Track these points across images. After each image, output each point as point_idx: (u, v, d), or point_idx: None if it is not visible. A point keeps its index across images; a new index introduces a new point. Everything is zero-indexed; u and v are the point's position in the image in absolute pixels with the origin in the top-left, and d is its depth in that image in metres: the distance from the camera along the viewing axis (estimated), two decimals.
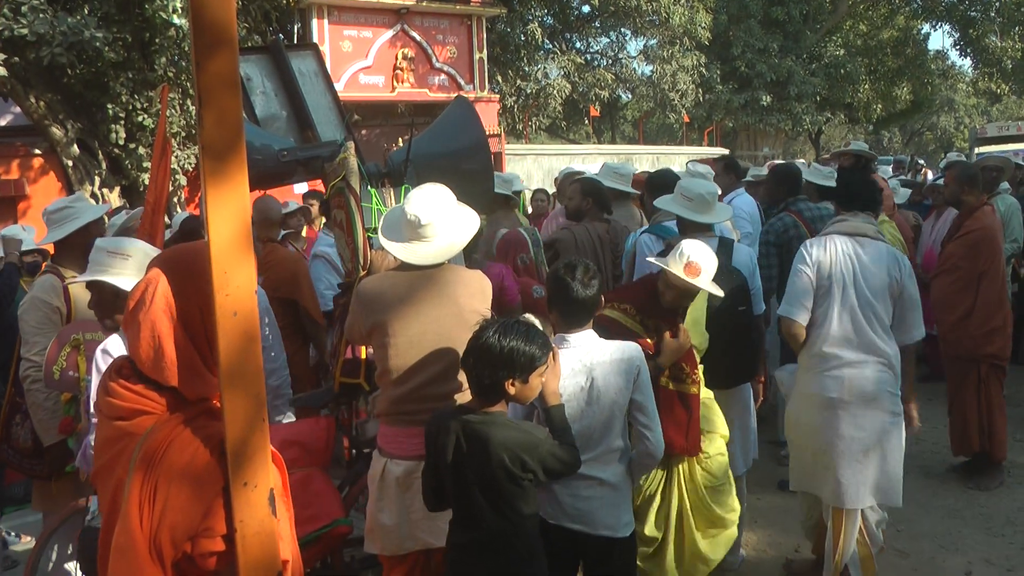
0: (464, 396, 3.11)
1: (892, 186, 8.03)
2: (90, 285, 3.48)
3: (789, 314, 3.98)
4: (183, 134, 12.81)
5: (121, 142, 12.20)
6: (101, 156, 12.57)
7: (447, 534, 2.86)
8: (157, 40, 11.76)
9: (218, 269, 1.69)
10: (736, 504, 3.79)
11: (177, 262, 1.87)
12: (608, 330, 3.37)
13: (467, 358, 2.71)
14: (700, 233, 4.26)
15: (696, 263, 3.50)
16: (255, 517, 1.77)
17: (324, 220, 6.72)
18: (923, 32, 32.78)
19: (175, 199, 13.04)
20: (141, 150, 12.37)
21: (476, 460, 2.64)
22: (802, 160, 21.11)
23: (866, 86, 30.02)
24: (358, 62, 17.15)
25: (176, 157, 12.69)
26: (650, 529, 3.66)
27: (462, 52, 18.57)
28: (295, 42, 16.07)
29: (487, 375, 2.64)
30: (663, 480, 3.68)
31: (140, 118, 12.15)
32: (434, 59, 18.16)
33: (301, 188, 11.90)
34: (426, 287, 3.20)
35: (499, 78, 21.41)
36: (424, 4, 17.75)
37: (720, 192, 5.58)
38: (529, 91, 22.56)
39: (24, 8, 10.40)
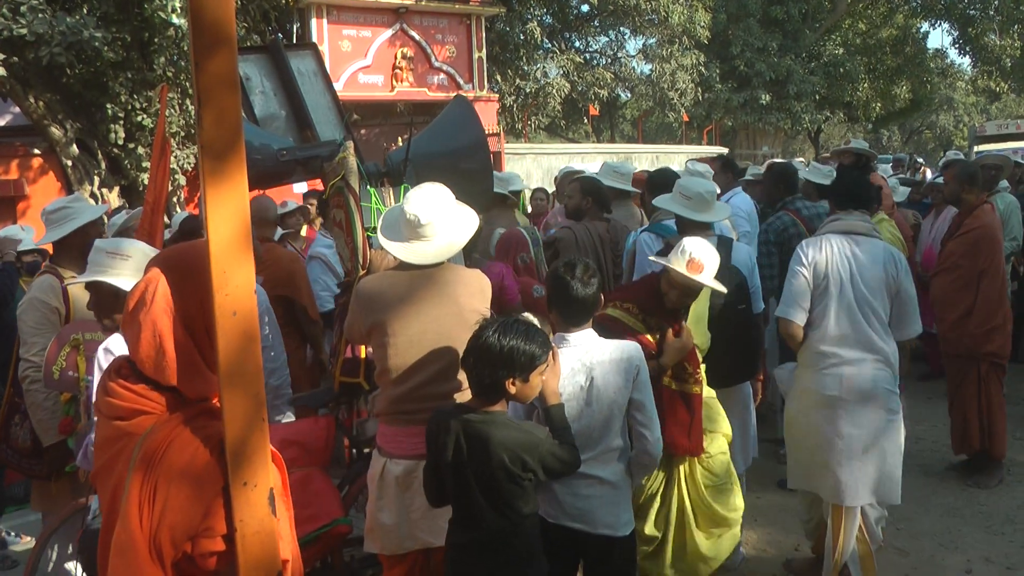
0: (464, 395, 3.11)
1: (891, 185, 8.04)
2: (89, 285, 3.48)
3: (786, 315, 4.01)
4: (182, 134, 12.81)
5: (120, 142, 12.21)
6: (100, 156, 12.57)
7: (447, 533, 2.87)
8: (156, 40, 11.76)
9: (217, 269, 1.69)
10: (739, 503, 3.78)
11: (177, 261, 1.87)
12: (610, 329, 3.37)
13: (467, 357, 2.71)
14: (699, 232, 4.26)
15: (699, 260, 3.50)
16: (255, 517, 1.77)
17: (321, 221, 6.71)
18: (922, 31, 32.74)
19: (174, 199, 13.05)
20: (140, 150, 12.38)
21: (476, 460, 2.64)
22: (801, 159, 21.11)
23: (865, 85, 29.99)
24: (357, 61, 17.14)
25: (175, 157, 12.69)
26: (650, 528, 3.65)
27: (461, 51, 18.56)
28: (294, 42, 16.08)
29: (487, 374, 2.64)
30: (664, 479, 3.68)
31: (139, 118, 12.16)
32: (433, 58, 18.16)
33: (300, 188, 11.90)
34: (426, 286, 3.20)
35: (498, 77, 21.40)
36: (423, 3, 17.74)
37: (718, 191, 5.59)
38: (528, 90, 22.55)
39: (23, 8, 10.41)
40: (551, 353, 2.76)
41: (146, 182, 9.20)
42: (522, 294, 4.86)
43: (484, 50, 18.90)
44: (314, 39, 15.92)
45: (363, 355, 3.91)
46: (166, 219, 6.52)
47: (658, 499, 3.67)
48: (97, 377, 3.19)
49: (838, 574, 3.97)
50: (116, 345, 3.22)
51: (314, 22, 16.46)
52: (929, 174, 14.30)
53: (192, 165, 13.11)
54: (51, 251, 4.64)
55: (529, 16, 22.24)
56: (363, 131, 17.56)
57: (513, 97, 22.39)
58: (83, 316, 4.01)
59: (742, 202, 6.54)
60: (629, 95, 30.19)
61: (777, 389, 4.95)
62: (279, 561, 1.82)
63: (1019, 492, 5.39)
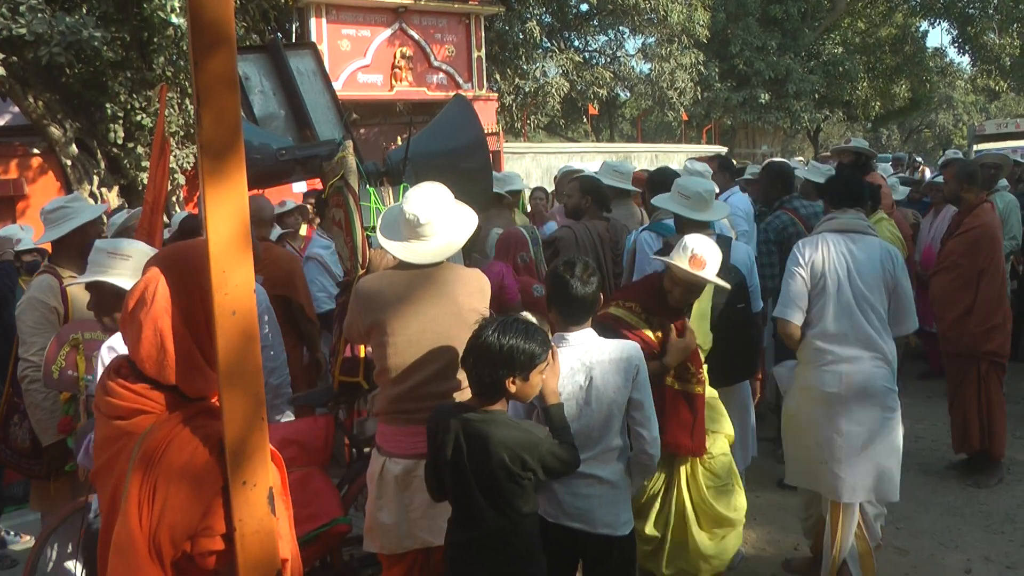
0: (463, 395, 3.11)
1: (891, 184, 8.04)
2: (90, 286, 3.48)
3: (784, 315, 4.03)
4: (181, 133, 12.80)
5: (120, 141, 12.20)
6: (100, 155, 12.57)
7: (446, 532, 2.87)
8: (155, 39, 11.75)
9: (216, 268, 1.69)
10: (742, 503, 3.78)
11: (176, 260, 1.87)
12: (612, 328, 3.38)
13: (467, 357, 2.71)
14: (698, 231, 4.26)
15: (701, 256, 3.50)
16: (254, 516, 1.77)
17: (319, 221, 6.70)
18: (921, 29, 32.76)
19: (174, 198, 13.04)
20: (140, 149, 12.37)
21: (476, 459, 2.64)
22: (800, 158, 21.13)
23: (864, 84, 30.00)
24: (356, 61, 17.13)
25: (175, 156, 12.68)
26: (650, 528, 3.65)
27: (460, 51, 18.54)
28: (293, 41, 16.05)
29: (487, 374, 2.64)
30: (666, 480, 3.68)
31: (138, 117, 12.14)
32: (432, 58, 18.14)
33: (300, 187, 11.91)
34: (425, 286, 3.20)
35: (497, 77, 21.39)
36: (422, 3, 17.72)
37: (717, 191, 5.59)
38: (527, 89, 22.53)
39: (22, 8, 10.40)
40: (551, 352, 2.76)
41: (145, 181, 9.20)
42: (522, 293, 4.86)
43: (483, 49, 18.88)
44: (313, 38, 15.91)
45: (362, 354, 3.91)
46: (165, 218, 6.52)
47: (659, 499, 3.67)
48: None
49: (837, 572, 3.97)
50: (119, 343, 3.22)
51: (313, 21, 16.45)
52: (928, 173, 14.31)
53: (191, 164, 13.10)
54: (50, 251, 4.64)
55: (528, 15, 22.21)
56: (362, 130, 17.54)
57: (512, 96, 22.37)
58: (82, 316, 4.01)
59: (740, 201, 6.55)
60: (628, 94, 30.21)
61: (775, 388, 4.95)
62: (278, 560, 1.83)
63: (1019, 491, 5.40)
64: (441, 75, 18.32)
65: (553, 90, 22.18)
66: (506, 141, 20.10)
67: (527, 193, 8.50)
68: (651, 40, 25.25)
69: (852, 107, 31.27)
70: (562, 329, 3.09)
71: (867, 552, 3.99)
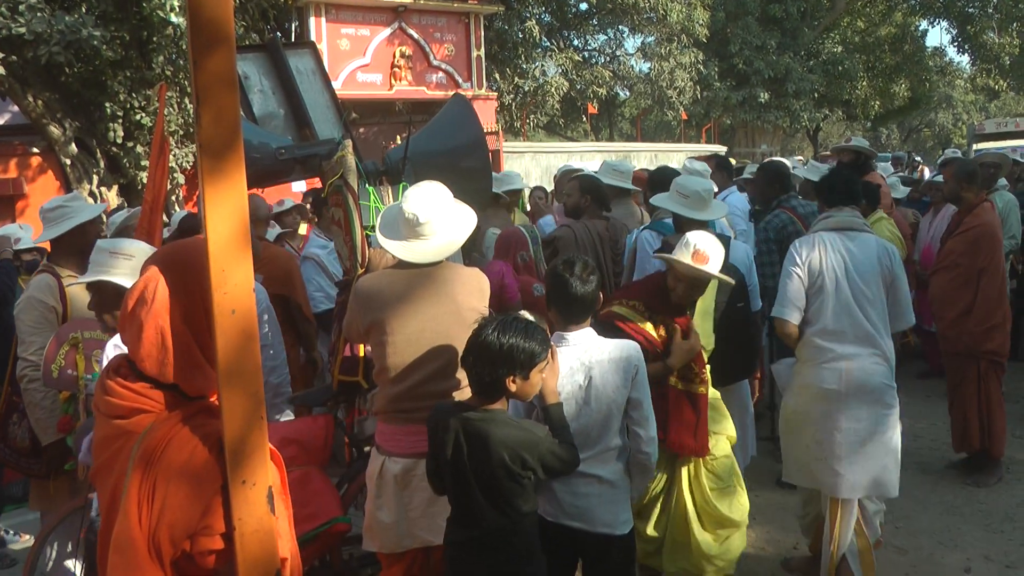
0: (462, 394, 3.11)
1: (892, 183, 8.06)
2: (92, 285, 3.49)
3: (782, 315, 4.04)
4: (181, 132, 12.79)
5: (119, 141, 12.19)
6: (99, 155, 12.55)
7: (445, 532, 2.87)
8: (155, 39, 11.74)
9: (216, 267, 1.69)
10: (744, 504, 3.77)
11: (174, 258, 1.87)
12: (615, 326, 3.38)
13: (467, 356, 2.71)
14: (698, 230, 4.26)
15: (704, 251, 3.50)
16: (254, 515, 1.77)
17: (316, 220, 6.70)
18: (921, 29, 32.76)
19: (173, 197, 13.03)
20: (139, 148, 12.36)
21: (476, 458, 2.64)
22: (799, 157, 21.12)
23: (864, 83, 30.01)
24: (356, 60, 17.11)
25: (174, 155, 12.67)
26: (651, 529, 3.65)
27: (460, 50, 18.53)
28: (293, 40, 16.04)
29: (487, 373, 2.64)
30: (668, 480, 3.67)
31: (138, 116, 12.13)
32: (432, 57, 18.13)
33: (299, 186, 11.91)
34: (424, 285, 3.20)
35: (497, 76, 21.37)
36: (422, 2, 17.71)
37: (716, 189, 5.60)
38: (527, 89, 22.52)
39: (22, 7, 10.39)
40: (550, 351, 2.76)
41: (145, 181, 9.21)
42: (522, 293, 4.86)
43: (483, 49, 18.87)
44: (312, 37, 15.90)
45: (362, 353, 3.91)
46: (165, 218, 6.52)
47: (661, 501, 3.67)
48: None
49: (836, 569, 3.98)
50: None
51: (312, 20, 16.43)
52: (927, 172, 14.32)
53: (191, 164, 13.09)
54: (49, 250, 4.64)
55: (528, 14, 22.19)
56: (361, 129, 17.53)
57: (512, 95, 22.35)
58: (81, 315, 4.01)
59: (737, 201, 6.57)
60: (628, 93, 30.21)
61: (773, 387, 4.96)
62: (278, 559, 1.83)
63: (1018, 490, 5.40)
64: (440, 74, 18.30)
65: (552, 89, 22.16)
66: (505, 140, 20.10)
67: (527, 192, 8.49)
68: (650, 39, 25.26)
69: (851, 106, 31.28)
70: (561, 328, 3.09)
71: (867, 548, 3.99)
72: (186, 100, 12.60)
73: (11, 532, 5.40)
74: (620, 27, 25.64)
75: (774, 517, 5.07)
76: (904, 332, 4.84)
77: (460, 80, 18.39)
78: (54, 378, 3.74)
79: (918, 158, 20.42)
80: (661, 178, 5.30)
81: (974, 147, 17.88)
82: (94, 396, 1.95)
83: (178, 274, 1.83)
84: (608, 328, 3.30)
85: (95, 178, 12.45)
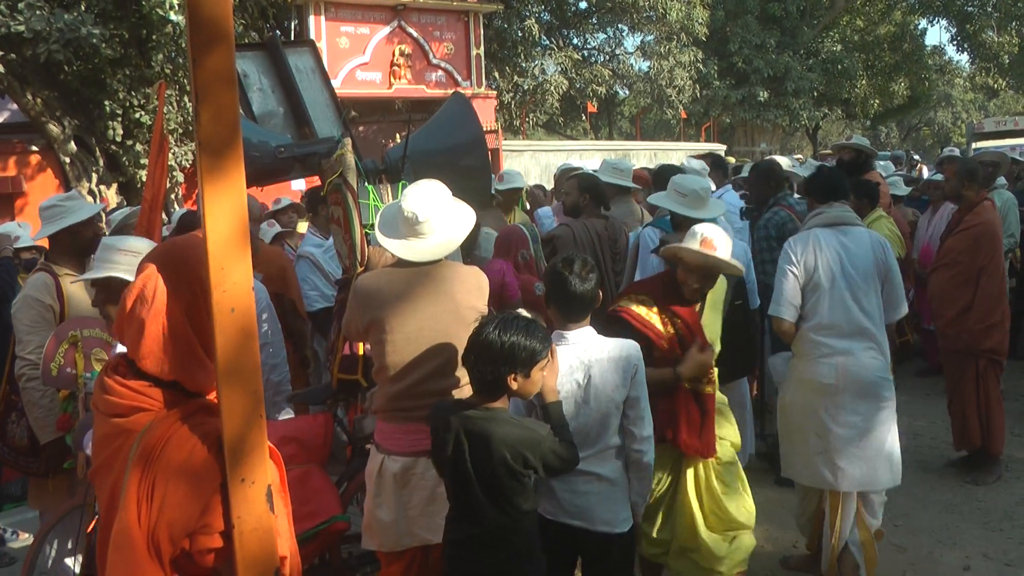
0: (461, 392, 3.11)
1: (893, 181, 8.06)
2: (98, 281, 3.49)
3: (778, 313, 4.06)
4: (180, 131, 12.78)
5: (118, 139, 12.18)
6: (98, 153, 12.54)
7: (445, 530, 2.87)
8: (154, 37, 11.73)
9: (215, 265, 1.69)
10: (750, 506, 3.74)
11: (171, 256, 1.87)
12: (624, 323, 3.37)
13: (468, 355, 2.71)
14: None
15: (711, 239, 3.49)
16: (253, 513, 1.77)
17: (311, 217, 6.70)
18: (920, 27, 32.77)
19: (172, 196, 13.03)
20: (138, 147, 12.35)
21: (477, 456, 2.64)
22: (799, 156, 21.13)
23: (863, 81, 30.01)
24: (355, 58, 17.10)
25: (173, 154, 12.66)
26: (657, 532, 3.63)
27: (459, 48, 18.52)
28: (292, 38, 16.03)
29: (489, 371, 2.64)
30: (672, 482, 3.65)
31: (137, 115, 12.13)
32: (431, 55, 18.12)
33: (298, 185, 11.91)
34: (423, 283, 3.20)
35: (496, 74, 21.36)
36: (421, 1, 17.71)
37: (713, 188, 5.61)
38: (526, 87, 22.50)
39: (21, 5, 10.37)
40: (551, 349, 2.75)
41: (144, 179, 9.18)
42: (523, 291, 4.86)
43: (482, 47, 18.86)
44: (312, 36, 15.88)
45: (361, 352, 3.91)
46: (164, 216, 6.52)
47: (666, 502, 3.65)
48: None
49: (836, 562, 3.98)
50: None
51: (312, 19, 16.42)
52: (926, 171, 14.32)
53: (190, 162, 13.08)
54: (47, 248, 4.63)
55: (527, 13, 22.18)
56: (361, 128, 17.52)
57: (511, 94, 22.34)
58: (80, 313, 4.01)
59: (732, 199, 6.58)
60: (627, 92, 30.17)
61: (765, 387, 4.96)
62: (277, 558, 1.83)
63: (1017, 488, 5.40)
64: (440, 73, 18.29)
65: (552, 88, 22.15)
66: (505, 139, 20.08)
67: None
68: (650, 38, 25.22)
69: (851, 105, 31.28)
70: (561, 327, 3.08)
71: (869, 541, 4.02)
72: (185, 98, 12.59)
73: (10, 531, 5.40)
74: (619, 26, 25.62)
75: (773, 515, 5.06)
76: (904, 331, 4.86)
77: (459, 78, 18.38)
78: (53, 376, 3.74)
79: (917, 157, 20.43)
80: (665, 176, 5.31)
81: (973, 146, 17.88)
82: (93, 394, 1.95)
83: (175, 271, 1.83)
84: (615, 321, 3.29)
85: (94, 176, 12.44)
